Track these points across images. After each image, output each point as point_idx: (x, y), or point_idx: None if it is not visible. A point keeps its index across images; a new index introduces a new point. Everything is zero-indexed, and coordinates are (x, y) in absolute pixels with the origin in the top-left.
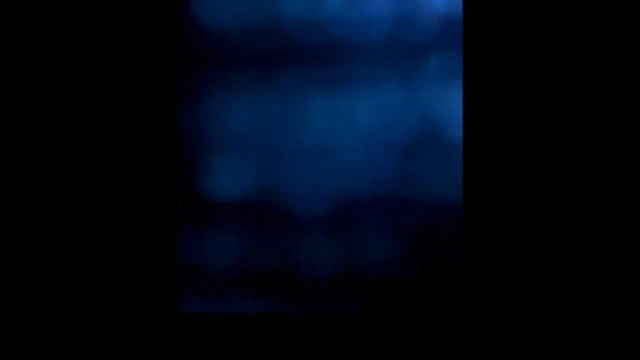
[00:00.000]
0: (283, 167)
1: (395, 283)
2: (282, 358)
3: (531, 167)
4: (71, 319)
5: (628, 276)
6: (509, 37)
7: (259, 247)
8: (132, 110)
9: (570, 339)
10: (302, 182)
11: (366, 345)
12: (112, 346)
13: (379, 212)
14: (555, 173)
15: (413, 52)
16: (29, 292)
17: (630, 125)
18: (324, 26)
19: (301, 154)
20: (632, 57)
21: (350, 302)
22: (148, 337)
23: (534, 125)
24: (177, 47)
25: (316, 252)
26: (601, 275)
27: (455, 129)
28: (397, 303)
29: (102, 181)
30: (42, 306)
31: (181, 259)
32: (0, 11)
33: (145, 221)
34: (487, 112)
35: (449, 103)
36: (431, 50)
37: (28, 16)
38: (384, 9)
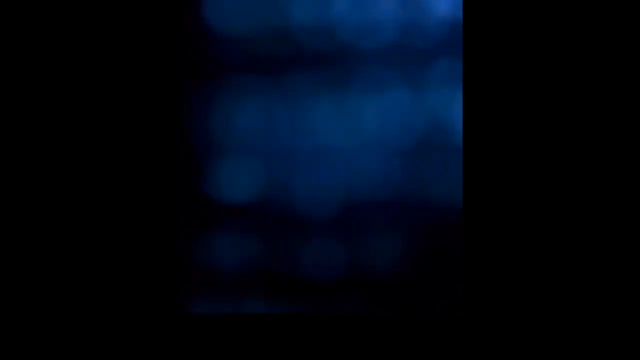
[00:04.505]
0: (289, 169)
1: (399, 284)
2: (288, 358)
3: (531, 169)
4: (77, 320)
5: (628, 276)
6: (510, 41)
7: (265, 248)
8: (140, 113)
9: (571, 339)
10: (308, 184)
11: (370, 345)
12: (119, 347)
13: (385, 214)
14: (555, 175)
15: (419, 57)
16: (32, 293)
17: (630, 127)
18: (330, 31)
19: (307, 157)
20: (632, 60)
21: (355, 302)
22: (154, 337)
23: (535, 129)
24: (185, 50)
25: (322, 253)
26: (601, 275)
27: (460, 132)
28: (400, 303)
29: (110, 184)
30: (46, 308)
31: (188, 261)
32: (5, 13)
33: (151, 223)
34: (488, 116)
35: (454, 107)
36: (437, 55)
37: (38, 15)
38: (390, 14)
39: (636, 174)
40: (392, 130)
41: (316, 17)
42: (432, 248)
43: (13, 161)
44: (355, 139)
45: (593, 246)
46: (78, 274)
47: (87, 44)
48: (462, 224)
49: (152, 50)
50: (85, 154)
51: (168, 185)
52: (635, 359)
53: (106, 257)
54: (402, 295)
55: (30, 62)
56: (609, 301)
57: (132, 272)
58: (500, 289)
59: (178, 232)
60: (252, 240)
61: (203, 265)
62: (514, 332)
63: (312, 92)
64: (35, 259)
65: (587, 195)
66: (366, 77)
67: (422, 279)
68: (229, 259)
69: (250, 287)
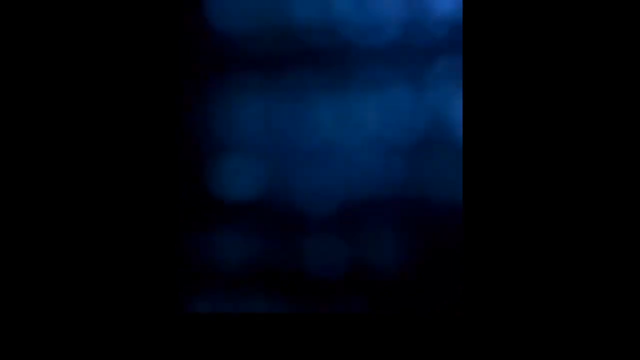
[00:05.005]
0: (290, 167)
1: (399, 283)
2: (288, 358)
3: (532, 168)
4: (77, 320)
5: (628, 276)
6: (509, 40)
7: (265, 247)
8: (141, 112)
9: (570, 339)
10: (309, 183)
11: (370, 345)
12: (119, 347)
13: (386, 213)
14: (555, 174)
15: (420, 55)
16: (33, 292)
17: (630, 125)
18: (332, 29)
19: (308, 155)
20: (632, 59)
21: (355, 302)
22: (154, 337)
23: (534, 128)
24: (186, 48)
25: (322, 252)
26: (601, 275)
27: (461, 131)
28: (400, 303)
29: (110, 183)
30: (47, 307)
31: (188, 260)
32: (5, 11)
33: (152, 222)
34: (488, 114)
35: (454, 105)
36: (438, 53)
37: (38, 14)
38: (391, 13)
39: (636, 172)
40: (392, 129)
41: (317, 16)
42: (432, 248)
43: (15, 161)
44: (356, 137)
45: (593, 245)
46: (78, 274)
47: (87, 43)
48: (462, 224)
49: (152, 49)
50: (85, 154)
51: (168, 185)
52: (635, 359)
53: (107, 257)
54: (402, 295)
55: (31, 61)
56: (609, 301)
57: (133, 271)
58: (500, 289)
59: (179, 231)
60: (253, 239)
61: (203, 265)
62: (514, 332)
63: (313, 90)
64: (35, 258)
65: (588, 194)
66: (367, 75)
67: (422, 279)
68: (229, 258)
69: (250, 287)
